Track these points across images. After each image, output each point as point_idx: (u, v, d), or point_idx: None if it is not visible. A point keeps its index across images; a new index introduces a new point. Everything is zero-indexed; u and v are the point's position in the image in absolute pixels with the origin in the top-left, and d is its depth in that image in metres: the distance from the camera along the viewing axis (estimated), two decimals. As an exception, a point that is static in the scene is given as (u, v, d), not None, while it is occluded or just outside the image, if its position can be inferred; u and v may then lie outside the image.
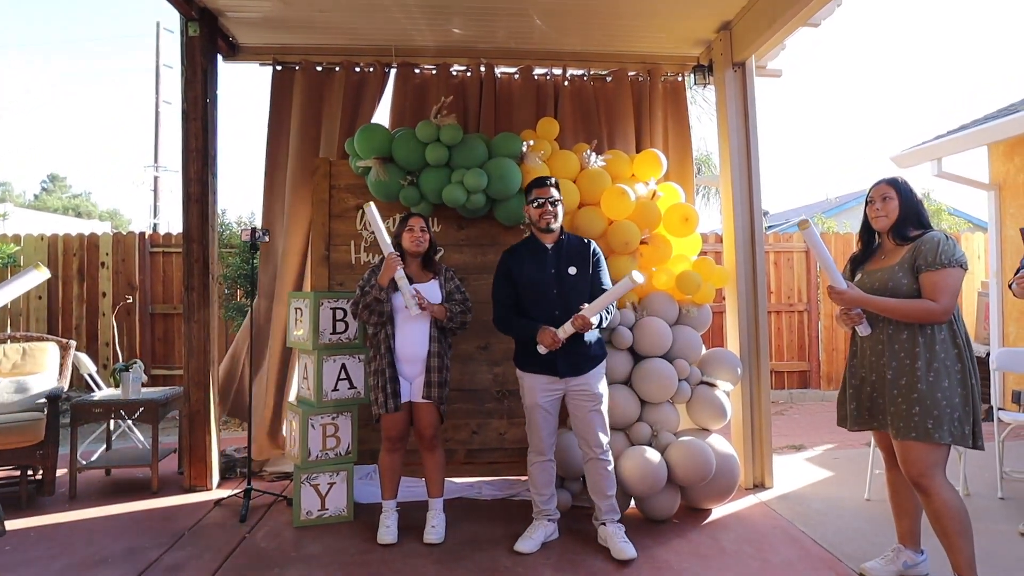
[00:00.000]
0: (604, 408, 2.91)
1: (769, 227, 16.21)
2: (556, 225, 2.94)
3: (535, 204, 2.93)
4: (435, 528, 3.01)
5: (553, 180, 2.99)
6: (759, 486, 3.77)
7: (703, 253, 6.30)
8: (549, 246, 2.94)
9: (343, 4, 3.68)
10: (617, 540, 2.83)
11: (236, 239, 6.05)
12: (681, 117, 4.32)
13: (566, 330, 2.72)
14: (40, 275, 1.87)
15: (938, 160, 5.76)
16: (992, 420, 3.78)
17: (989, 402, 4.29)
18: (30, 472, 3.60)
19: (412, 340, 2.97)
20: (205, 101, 3.74)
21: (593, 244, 2.99)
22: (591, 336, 2.89)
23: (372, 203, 2.96)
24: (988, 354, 4.12)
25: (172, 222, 17.72)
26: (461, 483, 3.74)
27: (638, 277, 2.67)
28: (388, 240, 2.94)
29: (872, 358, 2.45)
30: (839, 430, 2.79)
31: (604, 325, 2.91)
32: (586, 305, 2.76)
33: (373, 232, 2.93)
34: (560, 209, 2.96)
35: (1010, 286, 3.03)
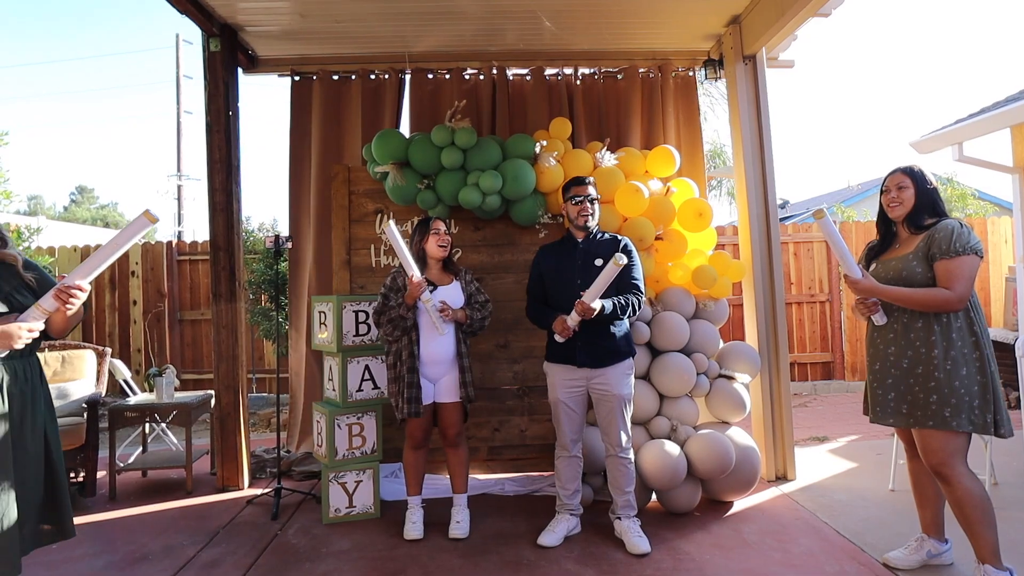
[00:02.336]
0: (627, 408, 2.93)
1: (789, 217, 16.01)
2: (593, 223, 2.99)
3: (574, 201, 2.98)
4: (460, 523, 3.08)
5: (591, 179, 3.05)
6: (781, 478, 3.78)
7: (721, 246, 6.33)
8: (580, 240, 2.99)
9: (358, 14, 3.76)
10: (632, 535, 2.88)
11: (260, 245, 6.19)
12: (692, 112, 4.33)
13: (573, 317, 2.77)
14: (148, 222, 1.99)
15: (959, 145, 5.66)
16: (1020, 408, 3.74)
17: (1017, 390, 4.23)
18: (72, 474, 3.76)
19: (439, 342, 3.02)
20: (227, 113, 3.86)
21: (625, 240, 2.99)
22: (618, 329, 2.90)
23: (392, 222, 2.91)
24: (1016, 340, 4.06)
25: (197, 229, 18.09)
26: (484, 480, 3.81)
27: (621, 259, 2.67)
28: (411, 260, 2.88)
29: (892, 348, 2.44)
30: (863, 421, 2.80)
31: (623, 317, 2.86)
32: (583, 292, 2.78)
33: (392, 244, 2.85)
34: (597, 207, 3.00)
35: None
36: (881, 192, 2.57)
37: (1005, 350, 5.05)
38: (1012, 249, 6.67)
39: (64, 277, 1.95)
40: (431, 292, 2.95)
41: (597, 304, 2.75)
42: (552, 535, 2.96)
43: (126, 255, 6.64)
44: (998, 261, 6.89)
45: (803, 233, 7.07)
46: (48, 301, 1.90)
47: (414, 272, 2.88)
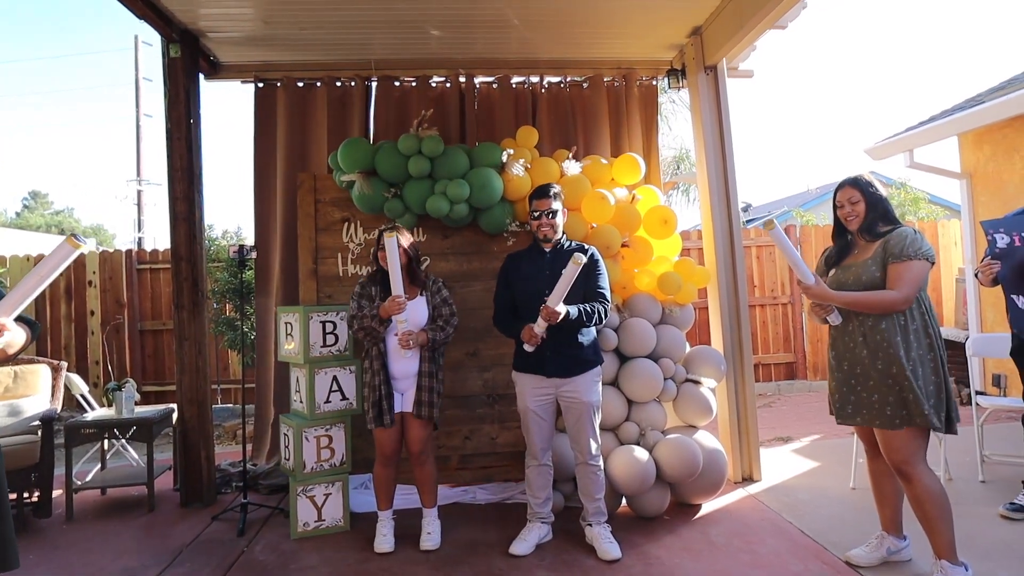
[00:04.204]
0: (596, 416, 2.94)
1: (752, 219, 16.39)
2: (556, 235, 2.97)
3: (533, 216, 2.97)
4: (431, 535, 3.07)
5: (554, 190, 2.99)
6: (748, 479, 3.86)
7: (687, 251, 6.44)
8: (547, 250, 2.99)
9: (323, 21, 3.73)
10: (602, 541, 2.90)
11: (223, 253, 6.07)
12: (651, 121, 4.41)
13: (540, 324, 2.76)
14: (72, 249, 1.78)
15: (910, 151, 5.90)
16: (971, 404, 3.89)
17: (969, 387, 4.40)
18: (26, 495, 3.62)
19: (403, 358, 2.99)
20: (189, 121, 3.78)
21: (591, 250, 2.98)
22: (585, 338, 2.91)
23: (396, 236, 2.88)
24: (967, 339, 4.24)
25: (157, 236, 17.62)
26: (455, 489, 3.80)
27: (580, 258, 2.67)
28: (400, 277, 2.86)
29: (853, 349, 2.52)
30: (826, 420, 2.88)
31: (589, 324, 2.85)
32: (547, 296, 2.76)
33: (387, 258, 2.86)
34: (559, 220, 2.97)
35: (976, 275, 3.14)
36: (834, 207, 2.66)
37: (957, 348, 5.26)
38: (961, 251, 6.95)
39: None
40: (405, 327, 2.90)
41: (562, 308, 2.72)
42: (523, 544, 2.97)
43: (82, 264, 6.43)
44: (949, 263, 7.16)
45: (765, 237, 7.24)
46: None
47: (397, 290, 2.85)
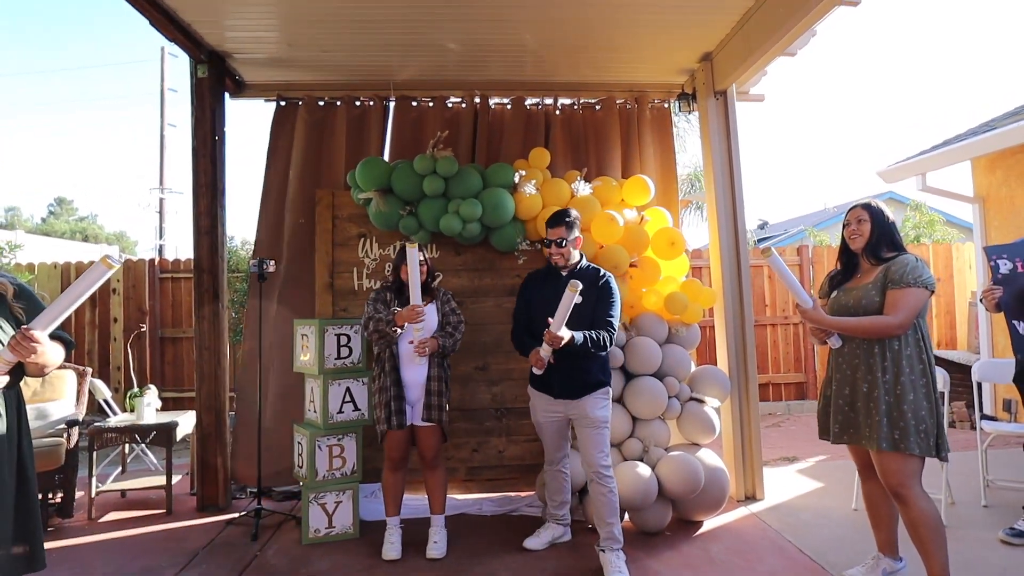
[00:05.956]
0: (604, 430, 2.95)
1: (767, 238, 16.37)
2: (570, 261, 3.03)
3: (545, 243, 3.06)
4: (437, 544, 3.15)
5: (569, 218, 3.01)
6: (750, 498, 3.90)
7: (697, 269, 6.50)
8: (564, 273, 3.03)
9: (344, 44, 3.88)
10: (611, 570, 2.84)
11: (243, 264, 6.24)
12: (667, 142, 4.50)
13: (545, 349, 2.83)
14: (106, 269, 1.90)
15: (923, 175, 5.93)
16: (976, 428, 3.90)
17: (974, 411, 4.41)
18: (50, 495, 3.76)
19: (411, 363, 3.12)
20: (214, 138, 3.95)
21: (607, 276, 3.01)
22: (594, 360, 2.93)
23: (417, 246, 2.97)
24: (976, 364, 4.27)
25: (179, 244, 17.98)
26: (462, 500, 3.88)
27: (576, 285, 2.70)
28: (419, 289, 2.98)
29: (848, 372, 2.59)
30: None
31: (593, 351, 2.87)
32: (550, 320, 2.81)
33: (409, 268, 2.97)
34: (571, 248, 3.01)
35: (980, 300, 3.18)
36: (844, 226, 2.74)
37: (967, 372, 5.26)
38: (975, 274, 6.93)
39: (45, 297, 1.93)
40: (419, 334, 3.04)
41: (565, 333, 2.74)
42: (536, 540, 3.14)
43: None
44: (963, 286, 7.14)
45: (781, 256, 7.26)
46: (7, 354, 1.80)
47: (416, 300, 2.98)
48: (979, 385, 4.11)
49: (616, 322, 2.97)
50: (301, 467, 3.49)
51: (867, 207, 2.66)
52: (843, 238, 2.74)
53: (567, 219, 3.02)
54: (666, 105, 4.58)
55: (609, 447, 3.02)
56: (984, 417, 4.06)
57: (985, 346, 5.89)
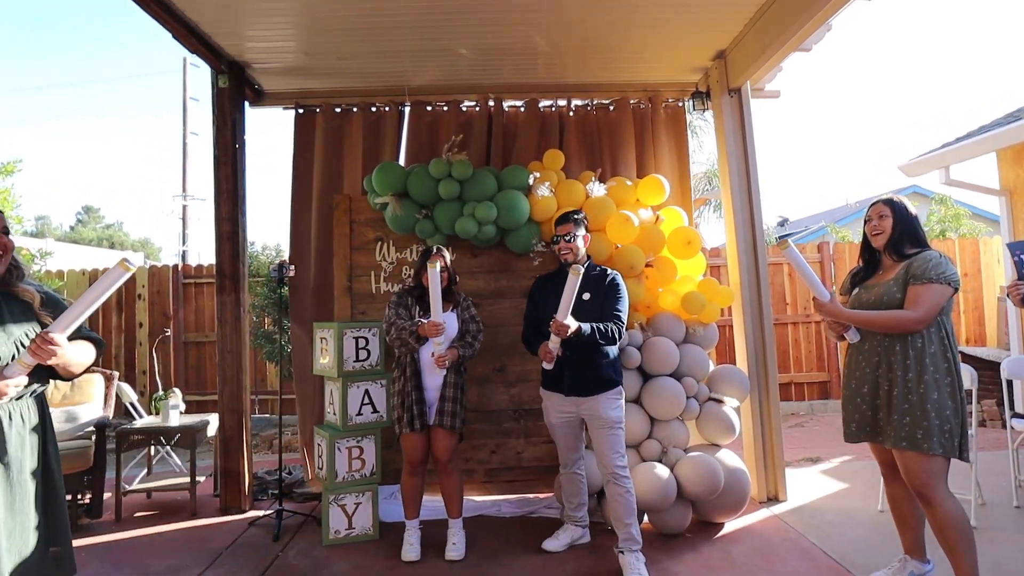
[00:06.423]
0: (618, 431, 2.96)
1: (789, 234, 16.16)
2: (579, 256, 3.06)
3: (555, 240, 3.12)
4: (455, 545, 3.17)
5: (577, 216, 3.11)
6: (773, 499, 3.85)
7: (716, 268, 6.44)
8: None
9: (360, 52, 3.93)
10: (630, 572, 2.83)
11: (264, 269, 6.33)
12: (681, 142, 4.47)
13: (553, 340, 2.85)
14: (124, 271, 1.94)
15: (946, 168, 5.80)
16: (1006, 427, 3.81)
17: (1006, 408, 4.31)
18: (79, 496, 3.85)
19: (431, 371, 3.13)
20: (235, 146, 4.02)
21: (613, 274, 3.06)
22: (604, 357, 2.95)
23: (438, 264, 3.02)
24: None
25: (201, 250, 18.29)
26: (481, 501, 3.89)
27: (578, 269, 2.74)
28: (440, 304, 3.01)
29: (867, 370, 2.55)
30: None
31: (601, 342, 2.87)
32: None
33: (430, 284, 3.01)
34: (580, 243, 3.07)
35: (1007, 296, 3.10)
36: (865, 222, 2.70)
37: (995, 369, 5.14)
38: (1003, 269, 6.77)
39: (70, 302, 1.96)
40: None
41: (572, 322, 2.78)
42: (555, 541, 3.15)
43: (132, 278, 6.78)
44: (991, 281, 6.97)
45: (803, 254, 7.16)
46: (27, 356, 1.83)
47: (437, 316, 3.01)
48: (1009, 382, 4.01)
49: (624, 316, 3.00)
50: (321, 468, 3.53)
51: (888, 202, 2.62)
52: (864, 234, 2.70)
53: (575, 216, 3.12)
54: (680, 104, 4.55)
55: (624, 448, 3.01)
56: (1015, 415, 3.95)
57: (1015, 342, 5.74)
